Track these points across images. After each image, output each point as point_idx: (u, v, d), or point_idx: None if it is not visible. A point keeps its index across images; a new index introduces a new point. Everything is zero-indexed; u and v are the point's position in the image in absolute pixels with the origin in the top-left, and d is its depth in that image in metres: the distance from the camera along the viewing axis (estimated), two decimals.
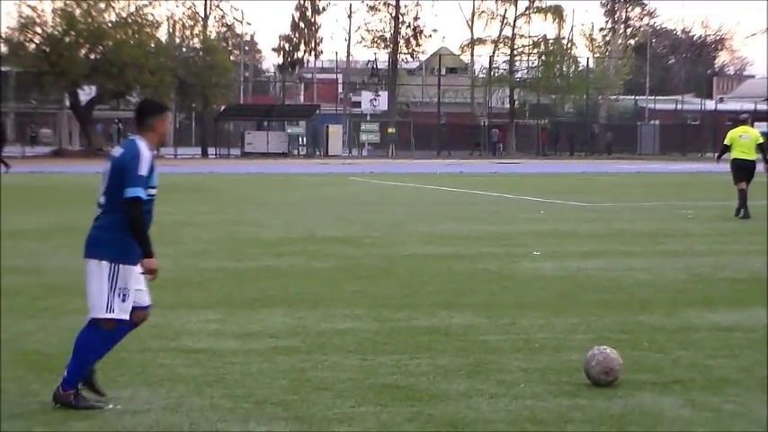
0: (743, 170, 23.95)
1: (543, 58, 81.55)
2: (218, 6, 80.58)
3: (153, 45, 68.38)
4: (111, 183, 7.57)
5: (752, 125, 24.92)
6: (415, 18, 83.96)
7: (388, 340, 9.99)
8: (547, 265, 15.58)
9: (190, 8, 76.18)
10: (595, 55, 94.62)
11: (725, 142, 24.60)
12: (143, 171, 7.50)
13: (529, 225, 22.06)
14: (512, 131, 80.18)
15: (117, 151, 7.68)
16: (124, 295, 7.52)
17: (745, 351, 9.71)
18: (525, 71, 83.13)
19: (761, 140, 24.38)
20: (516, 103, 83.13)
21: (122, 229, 7.51)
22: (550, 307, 11.94)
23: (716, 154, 25.36)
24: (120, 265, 7.52)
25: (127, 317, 7.60)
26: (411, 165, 57.58)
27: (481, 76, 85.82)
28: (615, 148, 79.26)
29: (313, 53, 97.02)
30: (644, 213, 25.23)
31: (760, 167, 24.29)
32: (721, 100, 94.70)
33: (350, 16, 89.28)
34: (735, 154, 24.13)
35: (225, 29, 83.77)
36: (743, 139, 24.14)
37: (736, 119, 25.64)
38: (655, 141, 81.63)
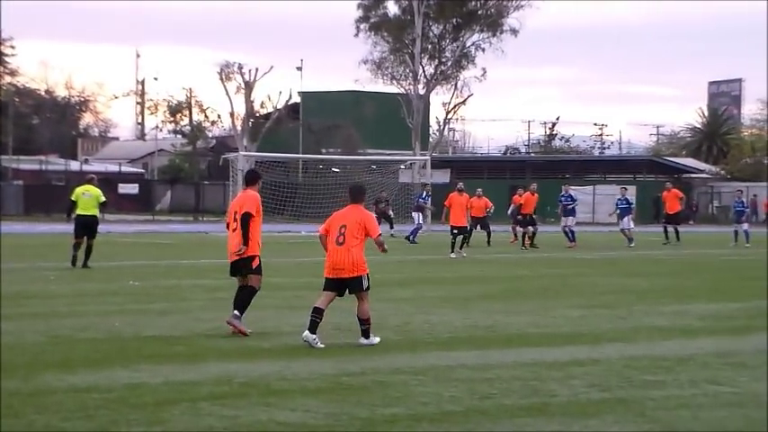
0: (83, 226, 26.98)
1: None
2: None
3: None
4: None
5: (96, 185, 27.97)
6: None
7: None
8: None
9: None
10: None
11: (71, 198, 27.42)
12: None
13: None
14: None
15: None
16: None
17: (101, 411, 9.78)
18: None
19: (102, 199, 27.54)
20: None
21: None
22: None
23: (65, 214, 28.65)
24: None
25: None
26: None
27: None
28: None
29: None
30: (6, 276, 24.74)
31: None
32: (86, 161, 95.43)
33: None
34: (78, 210, 27.20)
35: None
36: (85, 197, 27.25)
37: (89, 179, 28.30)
38: (18, 202, 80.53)
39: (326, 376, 11.77)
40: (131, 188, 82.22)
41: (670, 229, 43.80)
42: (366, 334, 14.08)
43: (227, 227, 15.39)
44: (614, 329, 16.14)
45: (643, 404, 10.45)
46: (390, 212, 49.87)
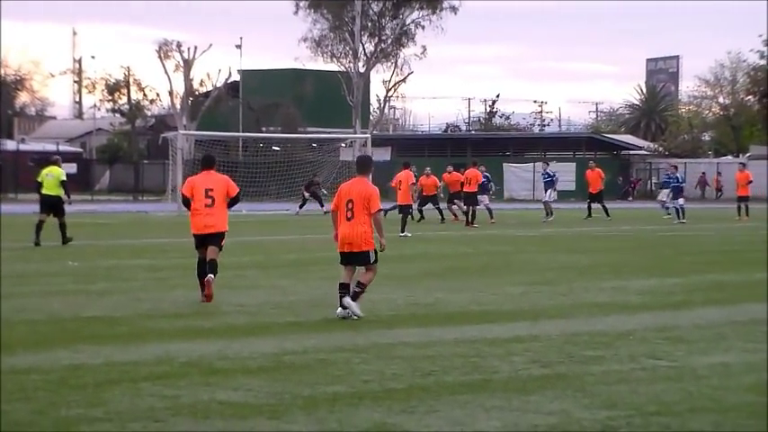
0: (48, 205, 27.84)
1: None
2: None
3: None
4: None
5: (60, 165, 28.67)
6: None
7: None
8: None
9: None
10: None
11: (38, 179, 28.24)
12: None
13: None
14: None
15: None
16: None
17: (40, 393, 9.71)
18: None
19: (63, 178, 28.17)
20: None
21: None
22: None
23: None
24: None
25: None
26: None
27: None
28: None
29: None
30: None
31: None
32: (23, 140, 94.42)
33: None
34: (44, 190, 27.93)
35: None
36: (49, 178, 28.09)
37: (42, 159, 29.16)
38: None
39: (268, 355, 11.77)
40: (69, 168, 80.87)
41: (598, 206, 44.60)
42: (355, 296, 14.44)
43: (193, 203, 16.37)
44: (555, 306, 16.25)
45: (583, 380, 10.55)
46: (323, 191, 49.74)
